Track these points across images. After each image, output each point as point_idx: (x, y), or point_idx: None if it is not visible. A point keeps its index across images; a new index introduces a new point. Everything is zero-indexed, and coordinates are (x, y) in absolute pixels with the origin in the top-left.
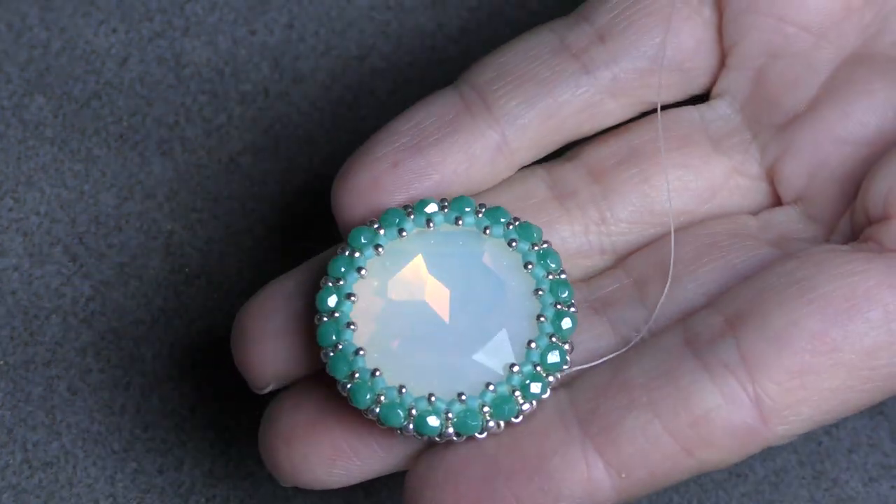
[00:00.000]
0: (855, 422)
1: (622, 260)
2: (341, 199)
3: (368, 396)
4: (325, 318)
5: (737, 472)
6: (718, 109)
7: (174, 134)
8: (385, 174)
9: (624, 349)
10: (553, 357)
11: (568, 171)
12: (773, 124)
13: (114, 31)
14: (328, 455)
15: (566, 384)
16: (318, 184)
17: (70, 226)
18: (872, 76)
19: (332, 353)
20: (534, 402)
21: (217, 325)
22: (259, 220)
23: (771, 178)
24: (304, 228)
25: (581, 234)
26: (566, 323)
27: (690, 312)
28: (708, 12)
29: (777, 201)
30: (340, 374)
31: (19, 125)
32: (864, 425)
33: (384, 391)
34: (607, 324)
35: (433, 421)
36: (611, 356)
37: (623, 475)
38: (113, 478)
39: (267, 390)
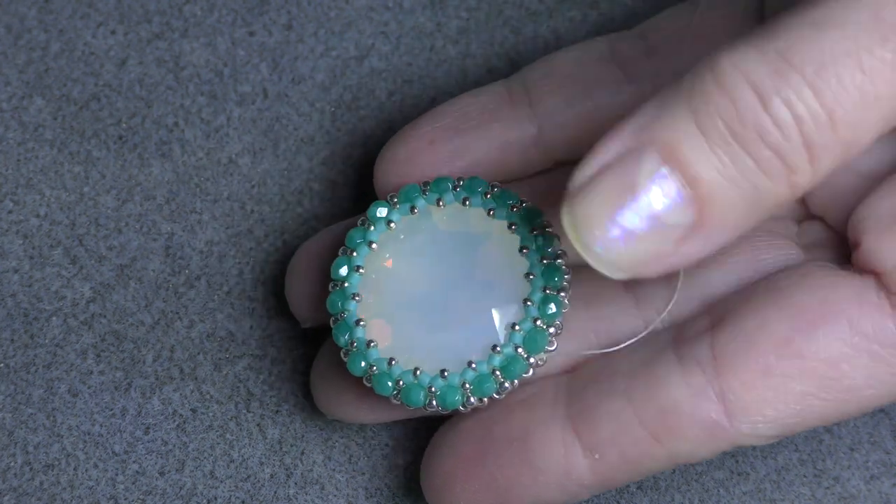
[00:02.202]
0: (856, 419)
1: None
2: (380, 169)
3: (363, 365)
4: (336, 287)
5: (738, 470)
6: None
7: (173, 135)
8: (421, 151)
9: (623, 345)
10: (534, 340)
11: (629, 41)
12: None
13: (112, 32)
14: (355, 398)
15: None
16: (318, 184)
17: (70, 228)
18: None
19: (336, 322)
20: (515, 382)
21: (217, 327)
22: (259, 220)
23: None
24: (305, 229)
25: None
26: (551, 308)
27: (712, 301)
28: None
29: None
30: (341, 342)
31: (19, 127)
32: (865, 423)
33: (376, 362)
34: (632, 300)
35: (417, 394)
36: (596, 352)
37: (596, 456)
38: (114, 480)
39: (308, 324)
